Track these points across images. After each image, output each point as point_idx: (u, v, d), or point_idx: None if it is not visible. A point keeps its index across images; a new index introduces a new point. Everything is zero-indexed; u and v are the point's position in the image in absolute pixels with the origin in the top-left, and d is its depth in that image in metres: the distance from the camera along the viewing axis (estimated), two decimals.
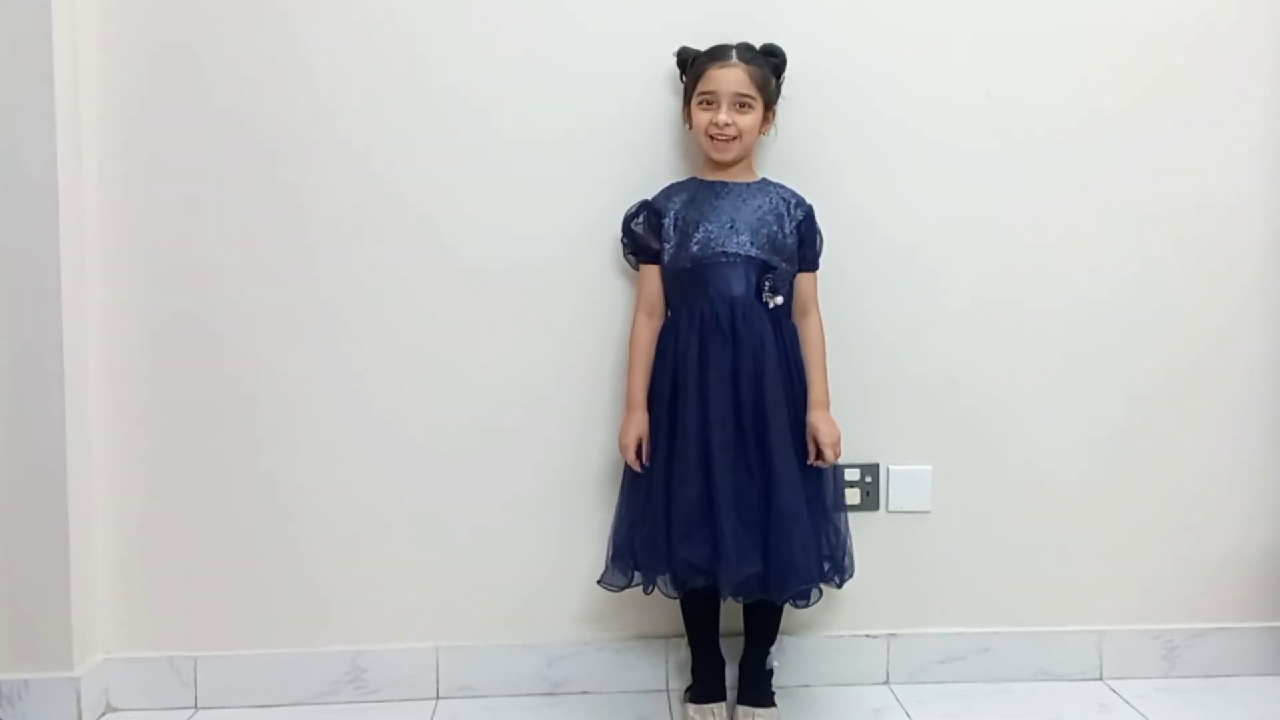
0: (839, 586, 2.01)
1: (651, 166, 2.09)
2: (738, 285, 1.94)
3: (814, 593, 1.94)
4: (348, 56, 2.07)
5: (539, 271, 2.12)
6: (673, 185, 2.03)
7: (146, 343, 2.09)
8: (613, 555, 2.00)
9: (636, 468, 1.96)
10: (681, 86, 2.04)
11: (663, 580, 1.96)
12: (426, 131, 2.09)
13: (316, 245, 2.09)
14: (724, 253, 1.94)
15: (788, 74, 2.03)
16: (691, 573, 1.89)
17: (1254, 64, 2.18)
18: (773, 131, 2.03)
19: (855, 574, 2.02)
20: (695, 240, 1.95)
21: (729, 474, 1.87)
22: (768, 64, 1.97)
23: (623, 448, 1.98)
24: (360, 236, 2.10)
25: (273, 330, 2.10)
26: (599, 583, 2.00)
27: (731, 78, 1.92)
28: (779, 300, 1.95)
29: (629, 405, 2.00)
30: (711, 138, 1.94)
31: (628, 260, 2.06)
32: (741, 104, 1.93)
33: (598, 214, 2.08)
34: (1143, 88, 2.16)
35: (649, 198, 2.03)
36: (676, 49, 2.02)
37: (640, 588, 1.98)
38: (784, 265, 1.97)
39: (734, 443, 1.89)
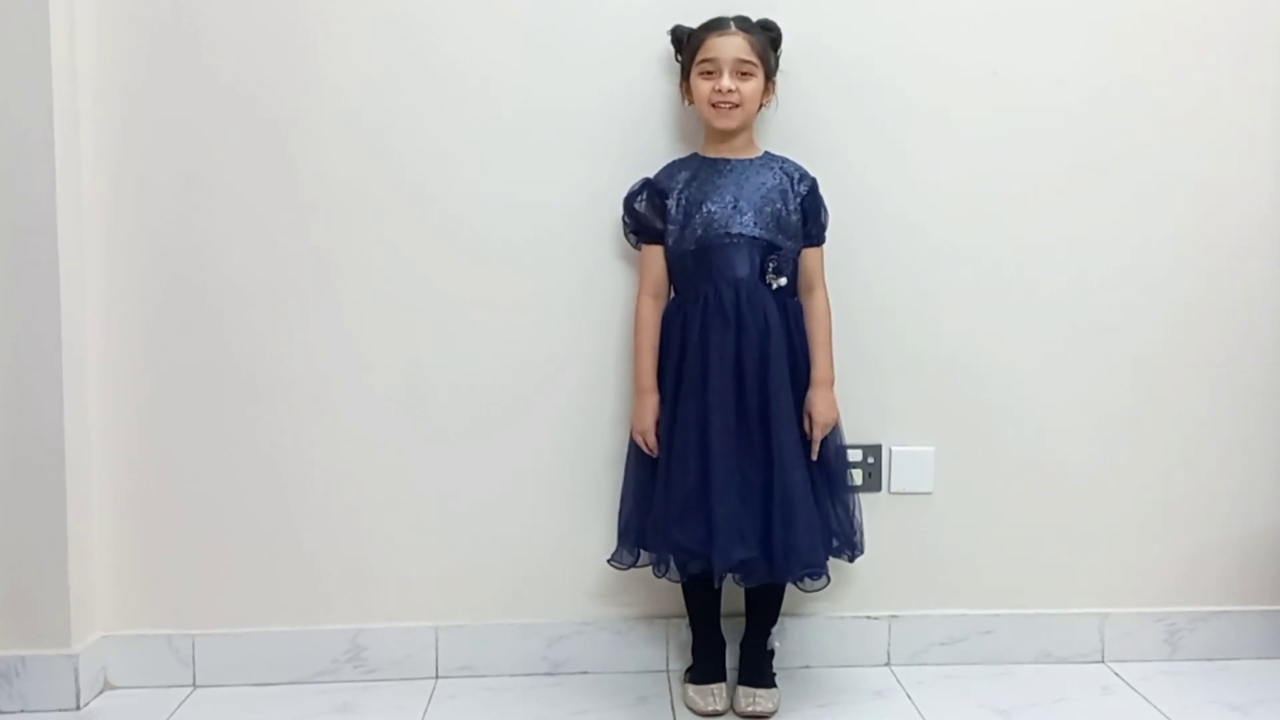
0: (850, 560, 2.01)
1: (652, 142, 2.08)
2: (742, 267, 1.92)
3: (822, 576, 1.93)
4: (349, 32, 2.06)
5: (541, 247, 2.10)
6: (675, 162, 2.02)
7: (145, 321, 2.08)
8: (621, 533, 2.00)
9: (655, 452, 1.95)
10: (677, 65, 2.02)
11: (668, 563, 1.96)
12: (428, 106, 2.07)
13: (316, 221, 2.08)
14: (728, 234, 1.92)
15: (791, 47, 2.02)
16: (686, 556, 1.90)
17: (1260, 41, 2.16)
18: (774, 104, 2.01)
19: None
20: (699, 221, 1.93)
21: (729, 457, 1.87)
22: (765, 36, 1.96)
23: (642, 434, 1.96)
24: (361, 212, 2.08)
25: (272, 307, 2.09)
26: (609, 561, 2.00)
27: (732, 45, 1.91)
28: (783, 281, 1.94)
29: (640, 390, 1.99)
30: (714, 105, 1.92)
31: (628, 239, 2.05)
32: (743, 71, 1.92)
33: (599, 189, 2.07)
34: (1147, 64, 2.15)
35: (650, 175, 2.01)
36: (670, 27, 2.00)
37: (649, 568, 1.99)
38: (789, 244, 1.96)
39: (736, 426, 1.88)
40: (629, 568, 2.00)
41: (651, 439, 1.95)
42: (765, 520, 1.87)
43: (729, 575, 1.90)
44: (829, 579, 1.94)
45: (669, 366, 1.96)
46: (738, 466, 1.87)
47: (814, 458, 1.95)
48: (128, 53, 2.03)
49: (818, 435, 1.95)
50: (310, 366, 2.10)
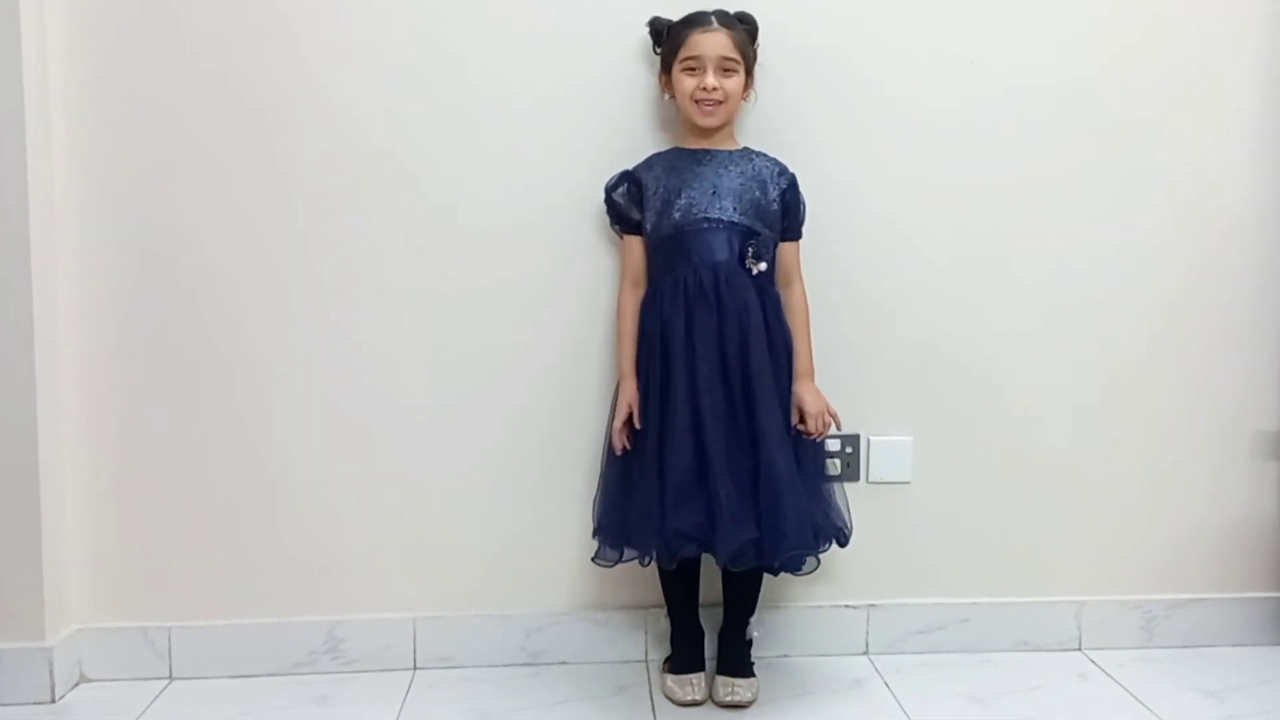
0: (843, 545, 1.99)
1: (634, 129, 2.07)
2: (721, 251, 1.92)
3: (809, 560, 1.91)
4: (330, 15, 2.04)
5: (522, 233, 2.09)
6: (654, 155, 2.02)
7: (119, 308, 2.06)
8: (596, 531, 1.99)
9: (619, 441, 1.94)
10: (655, 56, 2.02)
11: (654, 553, 1.93)
12: (410, 92, 2.06)
13: (294, 207, 2.07)
14: (706, 219, 1.92)
15: (769, 40, 2.01)
16: (684, 542, 1.87)
17: (1238, 29, 2.17)
18: (752, 97, 2.01)
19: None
20: (677, 207, 1.93)
21: (720, 440, 1.86)
22: (744, 30, 1.96)
23: (629, 405, 1.95)
24: (341, 198, 2.07)
25: (249, 296, 2.07)
26: (593, 560, 1.98)
27: (716, 42, 1.91)
28: (762, 266, 1.94)
29: (620, 375, 1.99)
30: (698, 102, 1.92)
31: (614, 230, 2.05)
32: (726, 68, 1.92)
33: (581, 176, 2.06)
34: (1125, 52, 2.15)
35: (630, 168, 2.01)
36: (648, 19, 2.00)
37: (634, 561, 1.96)
38: (767, 231, 1.95)
39: (723, 409, 1.88)
40: (614, 564, 1.98)
41: (620, 422, 1.94)
42: (755, 503, 1.86)
43: (715, 558, 1.89)
44: (819, 562, 1.93)
45: (649, 352, 1.95)
46: (728, 449, 1.87)
47: (805, 443, 1.95)
48: (103, 34, 2.00)
49: (812, 426, 1.94)
50: (288, 356, 2.09)
